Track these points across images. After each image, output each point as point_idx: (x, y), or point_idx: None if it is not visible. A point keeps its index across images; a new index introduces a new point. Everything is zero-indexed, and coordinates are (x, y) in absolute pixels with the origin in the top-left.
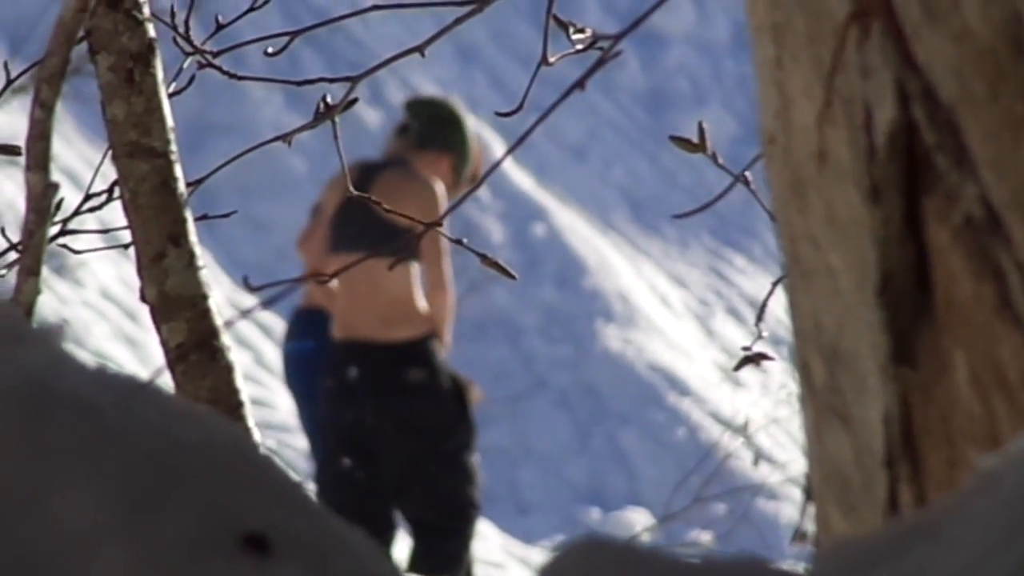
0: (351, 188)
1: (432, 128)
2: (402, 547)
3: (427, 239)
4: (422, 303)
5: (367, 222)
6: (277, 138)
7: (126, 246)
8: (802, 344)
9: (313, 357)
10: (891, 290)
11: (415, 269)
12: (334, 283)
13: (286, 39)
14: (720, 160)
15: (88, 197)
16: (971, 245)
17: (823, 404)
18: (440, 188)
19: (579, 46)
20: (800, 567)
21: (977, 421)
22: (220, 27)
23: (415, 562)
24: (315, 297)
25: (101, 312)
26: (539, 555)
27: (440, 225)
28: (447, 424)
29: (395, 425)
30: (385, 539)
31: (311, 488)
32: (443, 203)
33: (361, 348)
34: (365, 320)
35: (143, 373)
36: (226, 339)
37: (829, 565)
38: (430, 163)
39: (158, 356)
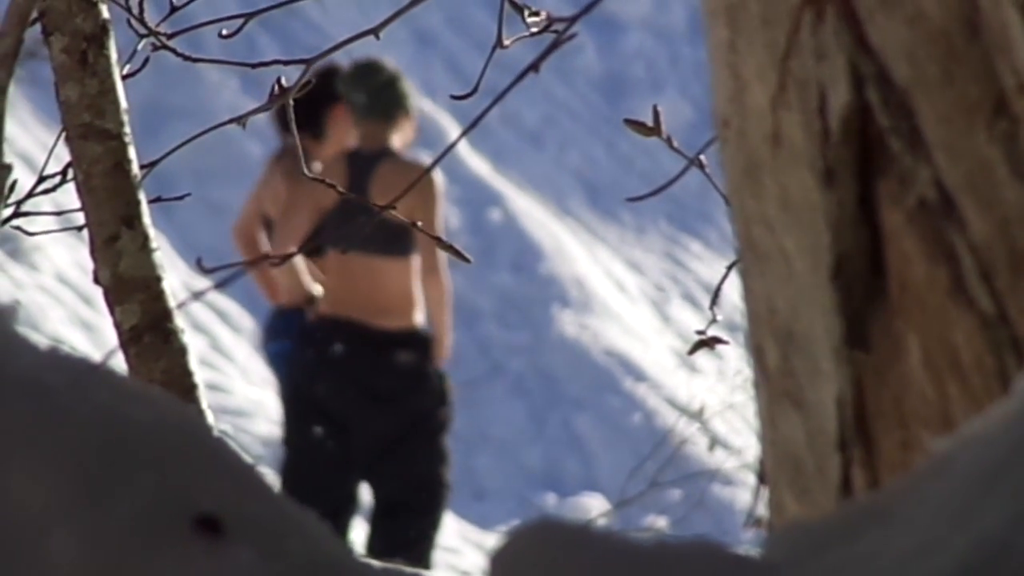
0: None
1: (390, 95)
2: (359, 532)
3: (424, 227)
4: (419, 297)
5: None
6: (232, 120)
7: (80, 228)
8: (756, 327)
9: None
10: (845, 273)
11: (416, 263)
12: (299, 266)
13: (241, 21)
14: (675, 144)
15: (42, 179)
16: (925, 228)
17: (776, 387)
18: (439, 179)
19: (534, 29)
20: (754, 551)
21: (930, 404)
22: (175, 9)
23: (380, 540)
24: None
25: (56, 296)
26: (495, 541)
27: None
28: (430, 404)
29: (376, 401)
30: (345, 513)
31: (266, 471)
32: (440, 192)
33: (350, 327)
34: (360, 306)
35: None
36: (179, 321)
37: (782, 548)
38: (402, 130)
39: (114, 340)
